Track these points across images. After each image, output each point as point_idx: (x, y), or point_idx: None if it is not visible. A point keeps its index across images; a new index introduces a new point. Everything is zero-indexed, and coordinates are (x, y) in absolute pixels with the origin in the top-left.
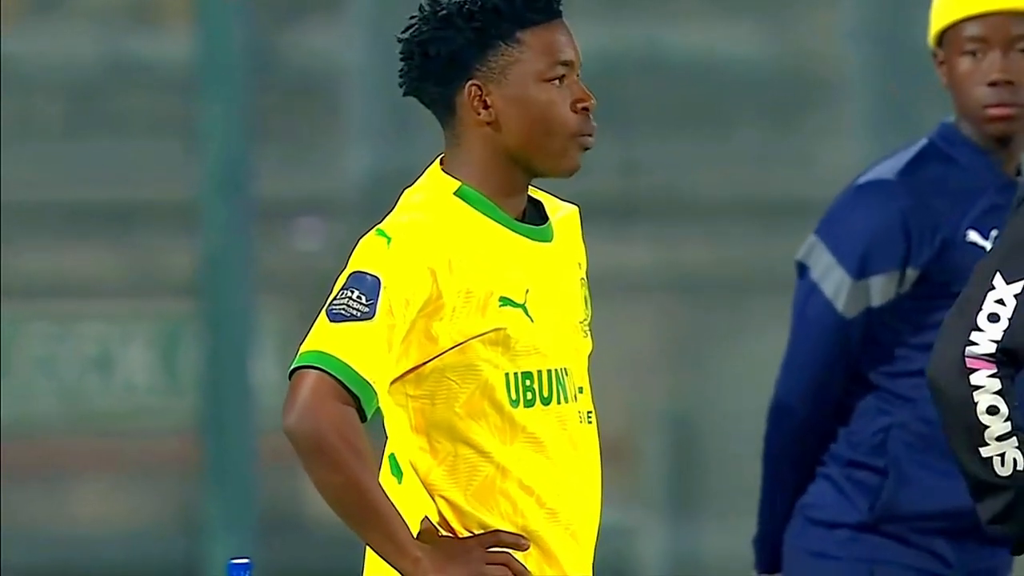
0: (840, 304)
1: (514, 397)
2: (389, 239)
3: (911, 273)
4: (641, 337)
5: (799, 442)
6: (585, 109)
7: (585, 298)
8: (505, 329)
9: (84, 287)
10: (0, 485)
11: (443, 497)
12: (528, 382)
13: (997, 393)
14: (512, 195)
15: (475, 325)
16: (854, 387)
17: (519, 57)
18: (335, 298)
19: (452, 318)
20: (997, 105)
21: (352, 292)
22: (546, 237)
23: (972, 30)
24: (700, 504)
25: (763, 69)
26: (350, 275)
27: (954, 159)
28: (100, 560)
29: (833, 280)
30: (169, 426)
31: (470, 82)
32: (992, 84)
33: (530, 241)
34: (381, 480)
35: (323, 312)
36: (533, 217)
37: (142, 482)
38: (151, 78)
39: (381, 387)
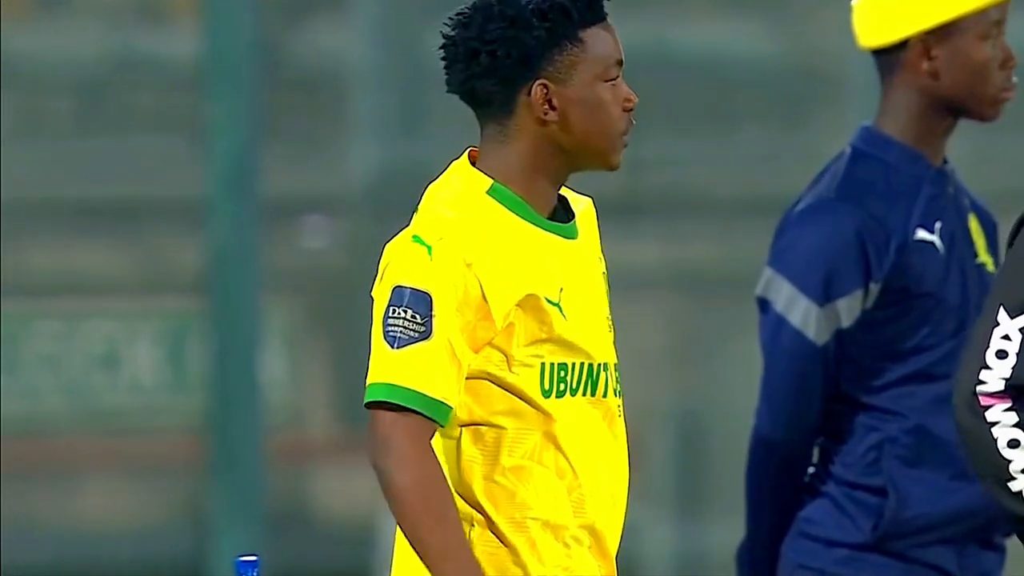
0: (811, 332)
1: (547, 388)
2: (429, 248)
3: (874, 287)
4: (648, 334)
5: (784, 474)
6: (630, 109)
7: (606, 292)
8: (550, 327)
9: (91, 284)
10: (7, 482)
11: (479, 473)
12: (563, 373)
13: (1016, 426)
14: (548, 194)
15: (524, 324)
16: (840, 407)
17: (583, 57)
18: (388, 319)
19: (499, 320)
20: (1010, 88)
21: (405, 312)
22: (573, 234)
23: (996, 14)
24: (707, 501)
25: (770, 67)
26: (395, 290)
27: (884, 161)
28: (107, 557)
29: (799, 310)
30: (176, 423)
31: (537, 82)
32: (1005, 66)
33: (560, 239)
34: None
35: (380, 337)
36: (560, 214)
37: (149, 479)
38: (158, 75)
39: (454, 400)
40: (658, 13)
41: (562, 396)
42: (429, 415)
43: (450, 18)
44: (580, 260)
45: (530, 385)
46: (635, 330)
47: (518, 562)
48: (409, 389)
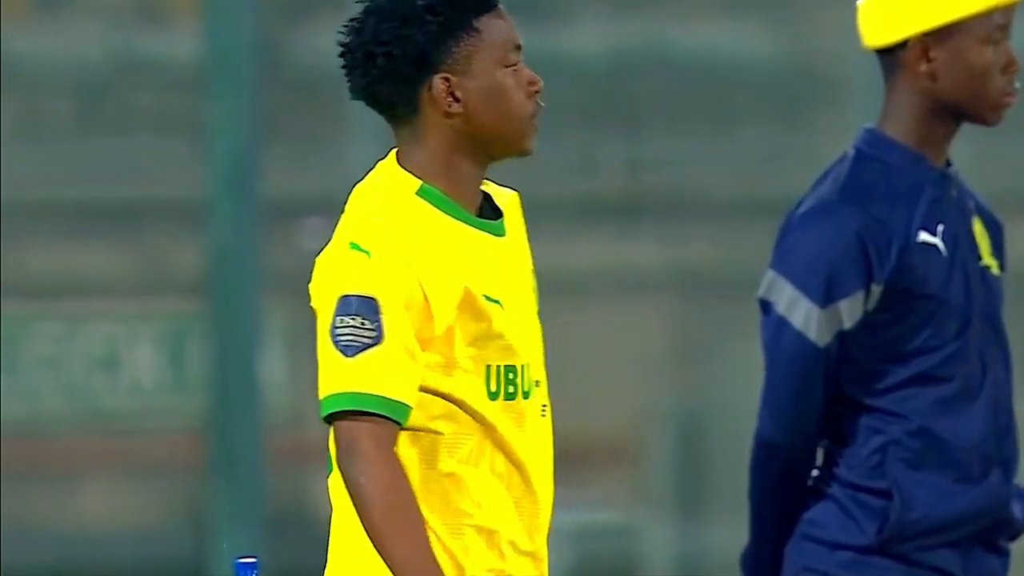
0: (812, 334)
1: (494, 390)
2: (368, 253)
3: (875, 289)
4: (647, 335)
5: (787, 476)
6: (536, 92)
7: (534, 288)
8: (490, 323)
9: (91, 286)
10: (8, 483)
11: (420, 476)
12: (511, 375)
13: None
14: (472, 189)
15: (463, 323)
16: (844, 409)
17: (480, 46)
18: (337, 329)
19: (440, 320)
20: (1012, 93)
21: (354, 319)
22: (502, 232)
23: (1000, 18)
24: (707, 503)
25: (770, 67)
26: (341, 299)
27: (886, 163)
28: (107, 558)
29: (800, 312)
30: (176, 425)
31: (438, 76)
32: (1007, 71)
33: (491, 237)
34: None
35: (331, 346)
36: (487, 212)
37: (149, 481)
38: (158, 76)
39: (413, 400)
40: (658, 14)
41: (511, 399)
42: (392, 417)
43: (344, 25)
44: (511, 258)
45: (473, 389)
46: (635, 331)
47: (457, 566)
48: (370, 394)
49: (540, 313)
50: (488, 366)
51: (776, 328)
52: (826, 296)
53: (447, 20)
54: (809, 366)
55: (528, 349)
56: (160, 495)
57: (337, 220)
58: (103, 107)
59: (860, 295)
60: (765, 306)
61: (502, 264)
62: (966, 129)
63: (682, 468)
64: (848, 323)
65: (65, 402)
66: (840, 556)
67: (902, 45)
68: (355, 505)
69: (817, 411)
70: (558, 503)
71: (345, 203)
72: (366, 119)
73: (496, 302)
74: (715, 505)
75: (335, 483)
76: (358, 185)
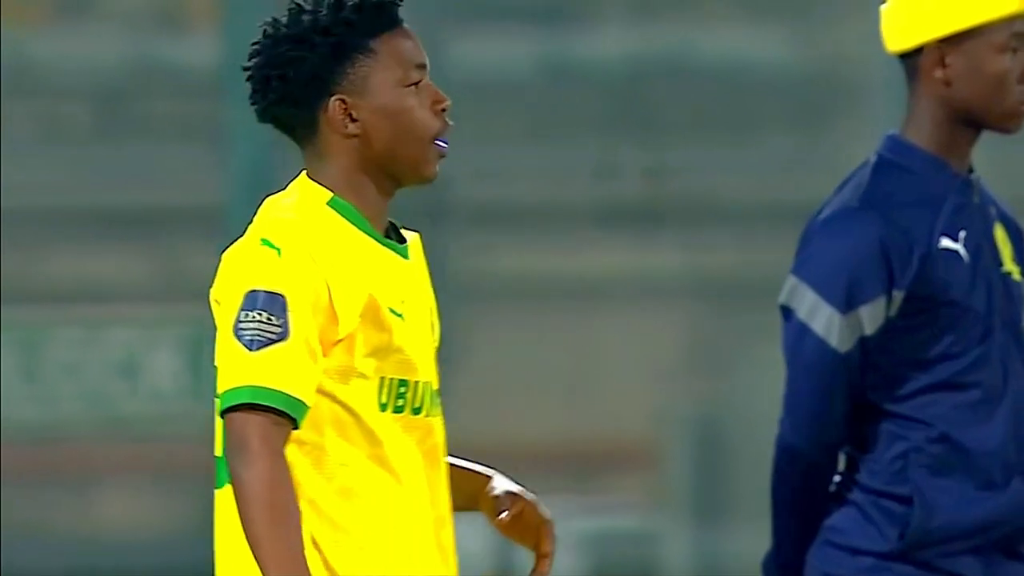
0: (834, 340)
1: (384, 401)
2: (279, 250)
3: (897, 295)
4: (667, 342)
5: (809, 482)
6: (443, 110)
7: (433, 324)
8: (391, 336)
9: (111, 292)
10: (27, 489)
11: (303, 492)
12: (403, 389)
13: None
14: (379, 209)
15: (365, 331)
16: (866, 415)
17: (376, 66)
18: (242, 323)
19: (344, 324)
20: None
21: (260, 314)
22: (406, 255)
23: (1019, 26)
24: (726, 508)
25: (792, 74)
26: (248, 294)
27: (909, 169)
28: (127, 564)
29: (822, 318)
30: (194, 431)
31: (333, 98)
32: (1023, 80)
33: (397, 256)
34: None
35: (234, 340)
36: (392, 236)
37: (168, 486)
38: (178, 83)
39: (311, 400)
40: (679, 20)
41: (400, 412)
42: (289, 412)
43: (250, 48)
44: (414, 281)
45: (365, 399)
46: (655, 337)
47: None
48: (270, 388)
49: (557, 318)
50: (383, 378)
51: (797, 334)
52: (847, 302)
53: (340, 41)
54: (830, 372)
55: (425, 368)
56: (178, 501)
57: None
58: (122, 113)
59: (881, 301)
60: (786, 312)
61: (406, 283)
62: (984, 136)
63: (701, 474)
64: (869, 329)
65: (84, 407)
66: (862, 562)
67: (920, 51)
68: (236, 499)
69: (839, 417)
70: (578, 508)
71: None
72: None
73: (399, 316)
74: (735, 511)
75: (228, 497)
76: (269, 197)
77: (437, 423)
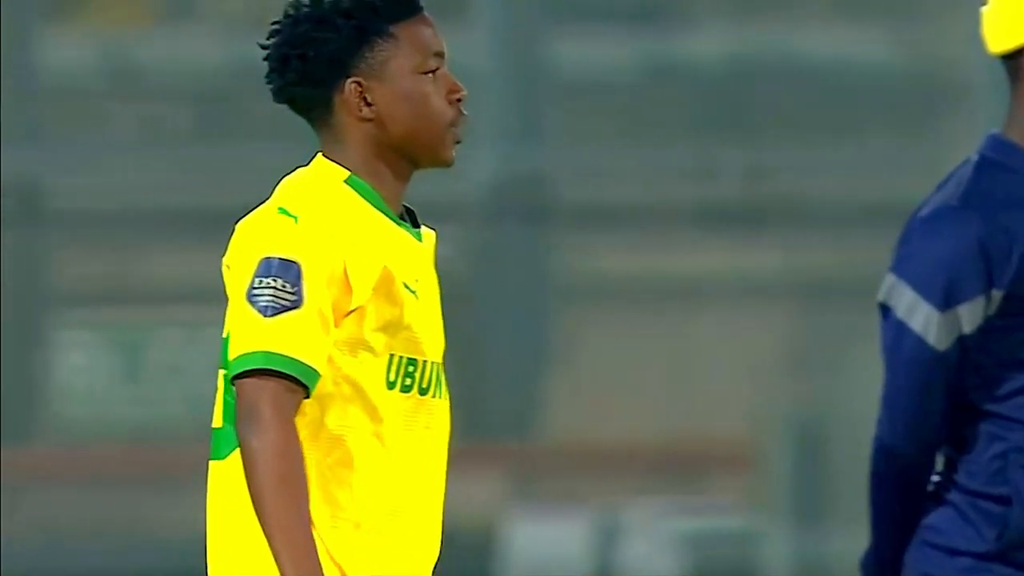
0: (932, 338)
1: (392, 379)
2: (295, 218)
3: (996, 294)
4: (766, 342)
5: (907, 482)
6: (459, 100)
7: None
8: (402, 311)
9: (212, 293)
10: (128, 489)
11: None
12: (411, 368)
13: None
14: (395, 191)
15: (377, 304)
16: (965, 415)
17: (395, 52)
18: (256, 289)
19: (357, 295)
20: None
21: (275, 281)
22: (420, 239)
23: None
24: (826, 509)
25: (892, 75)
26: (263, 260)
27: (1010, 169)
28: None
29: (920, 316)
30: None
31: (350, 80)
32: None
33: (412, 238)
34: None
35: (247, 306)
36: (408, 220)
37: None
38: None
39: (323, 369)
40: (777, 20)
41: (407, 391)
42: (301, 379)
43: (268, 29)
44: (427, 263)
45: (373, 374)
46: (754, 338)
47: (333, 560)
48: (283, 355)
49: (656, 319)
50: (392, 355)
51: (896, 332)
52: (945, 300)
53: (362, 24)
54: (928, 371)
55: (433, 349)
56: None
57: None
58: (224, 115)
59: (980, 300)
60: (885, 310)
61: (420, 264)
62: None
63: (801, 474)
64: (968, 328)
65: (185, 408)
66: (959, 562)
67: (1021, 51)
68: (244, 467)
69: (936, 416)
70: (677, 509)
71: (466, 210)
72: (486, 125)
73: (412, 292)
74: (835, 511)
75: (227, 468)
76: (285, 177)
77: (443, 405)
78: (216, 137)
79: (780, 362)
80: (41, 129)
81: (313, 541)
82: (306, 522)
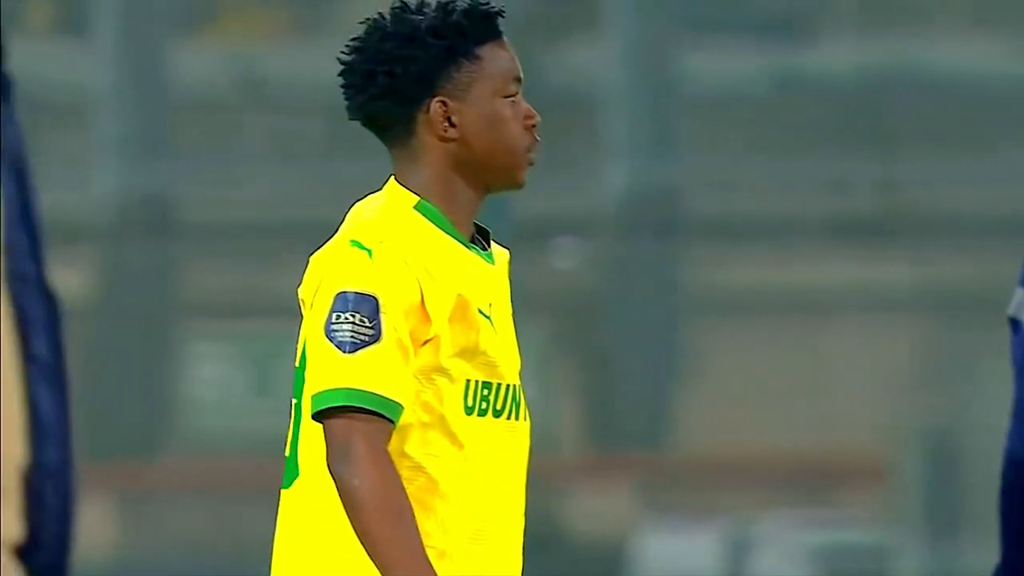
0: None
1: (470, 404)
2: (369, 251)
3: None
4: (898, 355)
5: None
6: (533, 126)
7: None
8: (478, 336)
9: None
10: (262, 501)
11: None
12: (487, 392)
13: None
14: (467, 214)
15: (453, 332)
16: None
17: (480, 74)
18: (334, 324)
19: (435, 324)
20: None
21: (353, 316)
22: (492, 261)
23: None
24: (958, 523)
25: None
26: (339, 295)
27: None
28: None
29: None
30: None
31: (435, 99)
32: None
33: (482, 261)
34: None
35: (326, 342)
36: (478, 242)
37: None
38: None
39: (407, 401)
40: (911, 34)
41: (484, 415)
42: (387, 416)
43: (346, 44)
44: (500, 286)
45: (451, 400)
46: (886, 351)
47: None
48: (366, 391)
49: (788, 331)
50: (468, 380)
51: None
52: None
53: (450, 44)
54: None
55: (509, 371)
56: None
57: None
58: (354, 127)
59: None
60: (1014, 324)
61: (493, 287)
62: None
63: (934, 488)
64: None
65: None
66: None
67: None
68: (346, 507)
69: None
70: (809, 522)
71: (598, 224)
72: (618, 139)
73: (486, 317)
74: (968, 526)
75: (294, 497)
76: (357, 202)
77: (522, 427)
78: (346, 150)
79: (912, 375)
80: (172, 142)
81: (434, 570)
82: (421, 552)
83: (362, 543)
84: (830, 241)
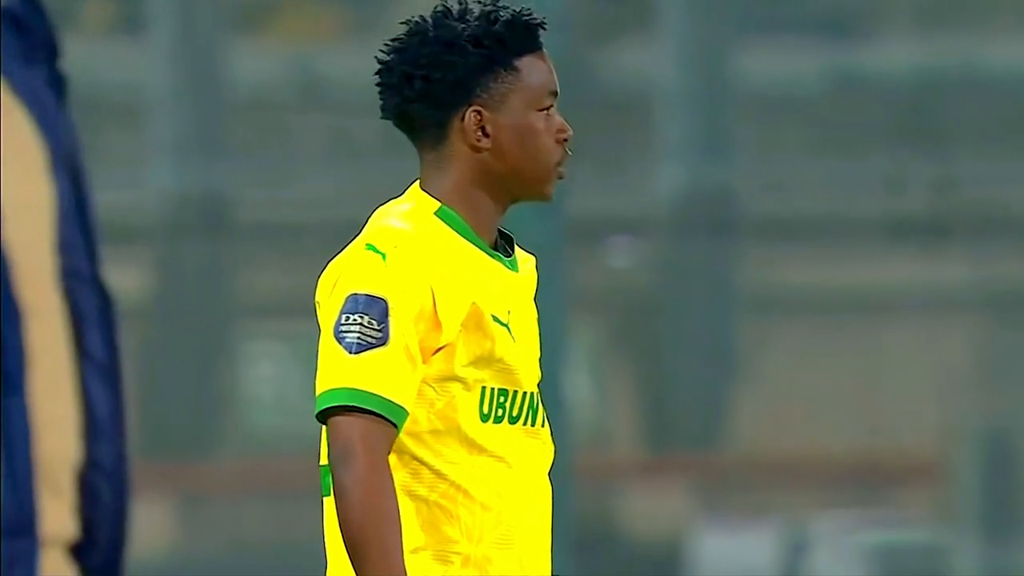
0: None
1: (486, 411)
2: (383, 255)
3: None
4: (954, 355)
5: None
6: (565, 140)
7: (537, 344)
8: (493, 344)
9: None
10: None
11: (407, 499)
12: (503, 399)
13: None
14: (490, 222)
15: (467, 339)
16: None
17: (517, 85)
18: (343, 326)
19: (447, 332)
20: None
21: (362, 318)
22: (515, 268)
23: None
24: (1016, 523)
25: None
26: (349, 297)
27: None
28: None
29: None
30: None
31: (471, 108)
32: None
33: (504, 268)
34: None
35: (334, 342)
36: (502, 249)
37: None
38: None
39: (411, 406)
40: (968, 32)
41: (499, 422)
42: (389, 418)
43: (385, 44)
44: (522, 294)
45: (465, 408)
46: (943, 351)
47: None
48: (369, 392)
49: (844, 331)
50: (484, 387)
51: None
52: None
53: (489, 53)
54: None
55: (527, 378)
56: None
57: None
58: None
59: None
60: None
61: (513, 294)
62: None
63: (990, 488)
64: None
65: None
66: None
67: None
68: (336, 505)
69: None
70: (866, 522)
71: (653, 223)
72: (672, 138)
73: (504, 325)
74: None
75: (329, 505)
76: (380, 206)
77: (542, 434)
78: (401, 150)
79: (969, 375)
80: (228, 142)
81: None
82: (398, 561)
83: (344, 541)
84: (886, 241)
